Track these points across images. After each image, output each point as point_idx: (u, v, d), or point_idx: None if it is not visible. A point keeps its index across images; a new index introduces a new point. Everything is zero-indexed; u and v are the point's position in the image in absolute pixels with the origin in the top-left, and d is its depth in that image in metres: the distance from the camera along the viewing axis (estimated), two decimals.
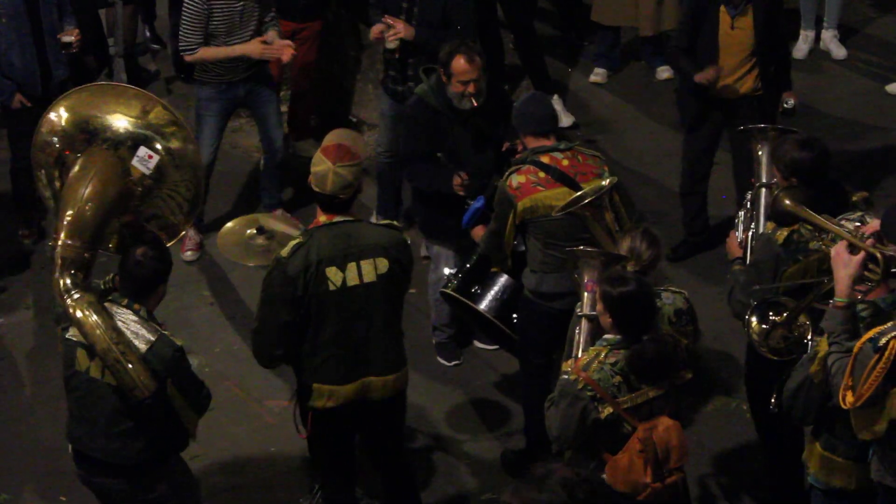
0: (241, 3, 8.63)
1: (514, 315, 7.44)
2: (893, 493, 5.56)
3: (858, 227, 5.72)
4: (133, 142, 6.12)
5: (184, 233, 8.99)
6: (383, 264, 6.27)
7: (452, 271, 7.65)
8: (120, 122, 6.16)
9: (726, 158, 9.08)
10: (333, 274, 6.19)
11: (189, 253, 9.10)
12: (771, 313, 6.34)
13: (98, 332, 5.81)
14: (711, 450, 7.61)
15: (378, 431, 6.67)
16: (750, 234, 6.63)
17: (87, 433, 6.07)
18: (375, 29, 8.59)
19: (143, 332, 5.91)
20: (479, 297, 7.50)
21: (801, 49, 11.08)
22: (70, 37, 8.77)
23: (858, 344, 5.23)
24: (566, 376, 5.81)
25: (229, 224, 7.05)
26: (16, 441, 7.85)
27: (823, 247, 6.04)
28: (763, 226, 6.56)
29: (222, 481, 7.43)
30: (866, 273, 5.49)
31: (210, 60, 8.69)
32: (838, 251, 5.46)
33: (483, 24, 10.39)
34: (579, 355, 5.94)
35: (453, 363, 8.38)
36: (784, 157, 6.41)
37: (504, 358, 8.13)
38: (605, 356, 5.75)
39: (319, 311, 6.23)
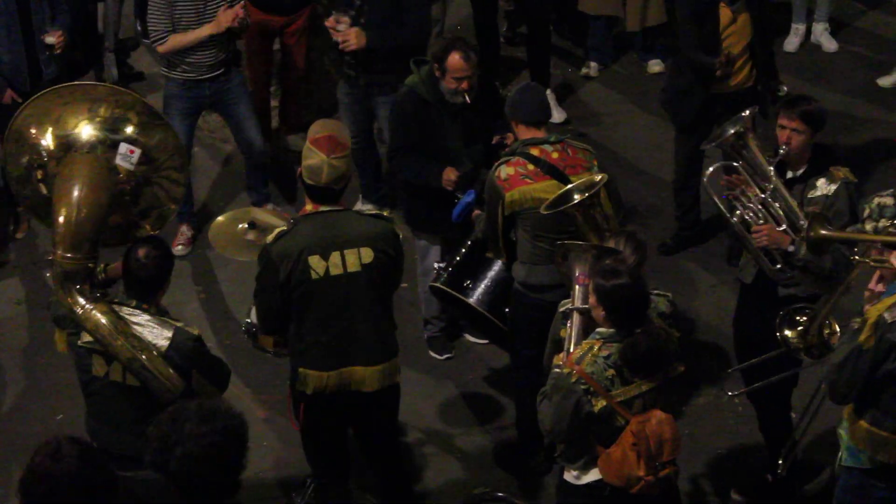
0: None
1: (507, 309, 7.44)
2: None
3: None
4: (111, 140, 6.08)
5: (182, 227, 9.02)
6: (368, 254, 6.32)
7: (441, 265, 7.66)
8: (91, 124, 6.12)
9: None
10: (316, 263, 6.26)
11: (180, 247, 9.14)
12: (798, 317, 6.39)
13: (119, 342, 5.85)
14: (703, 443, 7.64)
15: (370, 424, 6.70)
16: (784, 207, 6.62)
17: (113, 433, 6.11)
18: (330, 25, 8.73)
19: (161, 329, 5.96)
20: (470, 292, 7.52)
21: (791, 43, 11.10)
22: (53, 38, 8.80)
23: None
24: (559, 370, 5.83)
25: (220, 218, 7.10)
26: (7, 436, 7.84)
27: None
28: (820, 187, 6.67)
29: None
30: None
31: (182, 47, 8.71)
32: None
33: (482, 17, 10.42)
34: (572, 349, 5.94)
35: (445, 357, 8.42)
36: (806, 112, 6.63)
37: (495, 351, 8.18)
38: (599, 349, 5.76)
39: (303, 298, 6.30)
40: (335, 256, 6.28)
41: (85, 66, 10.47)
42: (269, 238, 6.29)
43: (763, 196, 6.66)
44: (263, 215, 7.13)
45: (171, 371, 5.87)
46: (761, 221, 6.64)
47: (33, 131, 6.13)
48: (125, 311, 5.94)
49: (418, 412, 7.90)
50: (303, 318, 6.34)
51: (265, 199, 9.33)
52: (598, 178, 6.73)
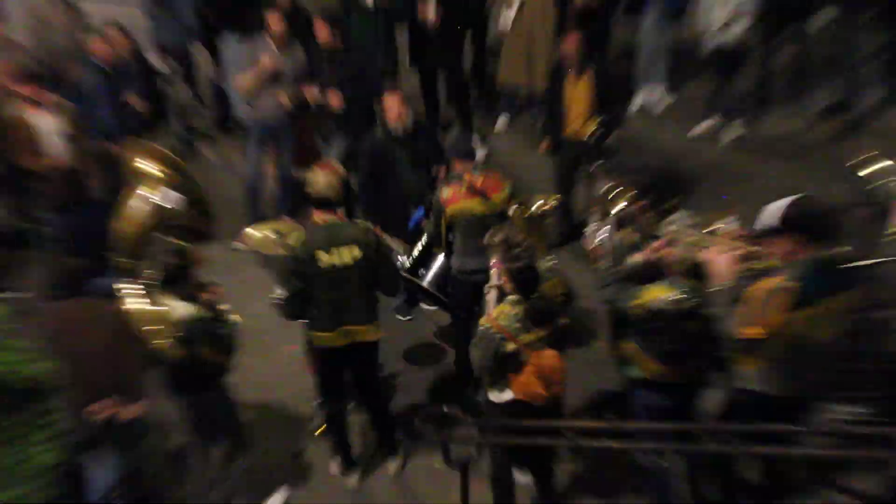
0: None
1: (448, 287, 7.71)
2: (768, 398, 5.60)
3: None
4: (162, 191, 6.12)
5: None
6: (356, 251, 6.65)
7: (404, 258, 7.86)
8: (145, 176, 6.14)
9: None
10: (323, 256, 6.60)
11: (237, 242, 9.00)
12: None
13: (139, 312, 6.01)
14: (585, 384, 7.58)
15: (360, 367, 7.03)
16: (602, 241, 6.67)
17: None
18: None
19: (181, 308, 6.10)
20: (423, 277, 7.79)
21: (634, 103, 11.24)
22: (139, 106, 8.94)
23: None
24: (483, 326, 6.07)
25: (252, 229, 7.15)
26: None
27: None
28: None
29: (252, 404, 7.36)
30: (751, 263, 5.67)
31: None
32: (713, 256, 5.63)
33: (426, 84, 10.58)
34: (491, 312, 6.14)
35: (407, 318, 8.79)
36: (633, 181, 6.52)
37: (441, 314, 8.30)
38: (509, 309, 5.97)
39: (313, 281, 6.69)
40: (335, 252, 6.56)
41: (153, 122, 10.16)
42: (293, 242, 6.62)
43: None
44: (283, 226, 7.07)
45: (171, 331, 5.86)
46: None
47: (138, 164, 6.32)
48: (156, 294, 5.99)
49: (389, 356, 7.97)
50: (313, 295, 6.70)
51: (286, 213, 9.16)
52: (552, 202, 7.05)
